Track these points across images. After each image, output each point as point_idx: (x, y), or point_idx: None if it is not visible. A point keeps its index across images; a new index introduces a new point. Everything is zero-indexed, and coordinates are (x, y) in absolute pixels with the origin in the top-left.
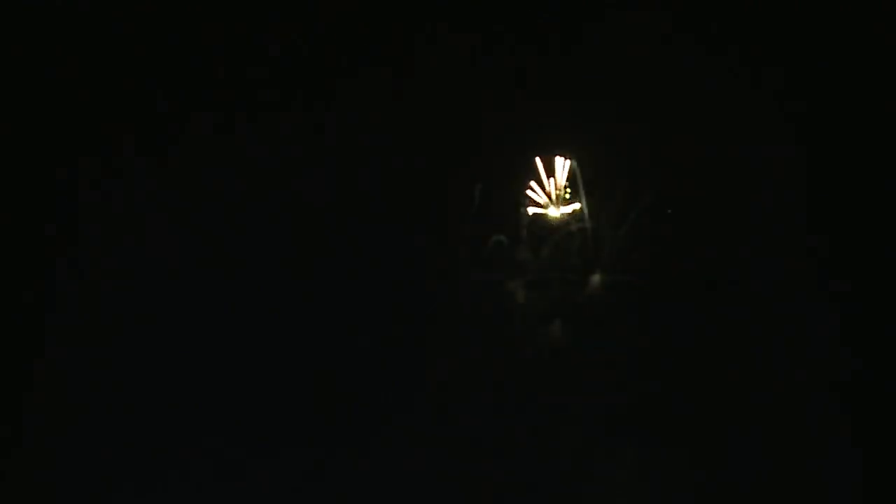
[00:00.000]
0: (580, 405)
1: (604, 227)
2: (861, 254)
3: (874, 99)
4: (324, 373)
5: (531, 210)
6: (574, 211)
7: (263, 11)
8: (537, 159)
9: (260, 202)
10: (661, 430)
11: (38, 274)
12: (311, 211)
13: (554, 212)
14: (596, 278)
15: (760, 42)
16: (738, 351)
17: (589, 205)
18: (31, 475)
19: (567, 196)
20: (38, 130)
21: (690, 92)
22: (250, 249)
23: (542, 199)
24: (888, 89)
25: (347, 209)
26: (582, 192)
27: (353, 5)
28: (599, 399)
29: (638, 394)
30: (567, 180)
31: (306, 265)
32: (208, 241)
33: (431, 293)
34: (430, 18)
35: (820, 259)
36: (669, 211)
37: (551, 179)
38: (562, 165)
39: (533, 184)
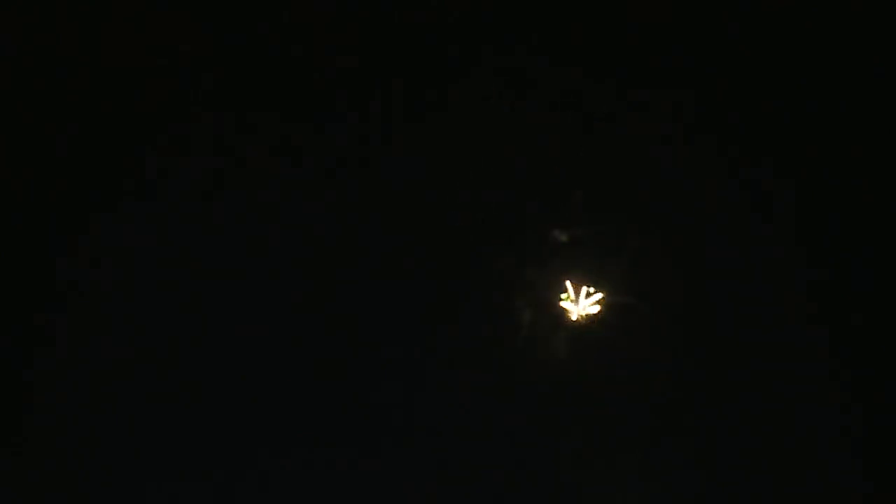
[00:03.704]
0: (582, 418)
1: (607, 248)
2: (861, 264)
3: (874, 100)
4: (324, 374)
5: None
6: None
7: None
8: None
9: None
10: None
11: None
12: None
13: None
14: (599, 298)
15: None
16: (742, 365)
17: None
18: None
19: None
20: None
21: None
22: (251, 248)
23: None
24: (888, 89)
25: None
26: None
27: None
28: (601, 411)
29: (639, 408)
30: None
31: (307, 265)
32: (209, 241)
33: (433, 301)
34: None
35: (819, 270)
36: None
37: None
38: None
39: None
